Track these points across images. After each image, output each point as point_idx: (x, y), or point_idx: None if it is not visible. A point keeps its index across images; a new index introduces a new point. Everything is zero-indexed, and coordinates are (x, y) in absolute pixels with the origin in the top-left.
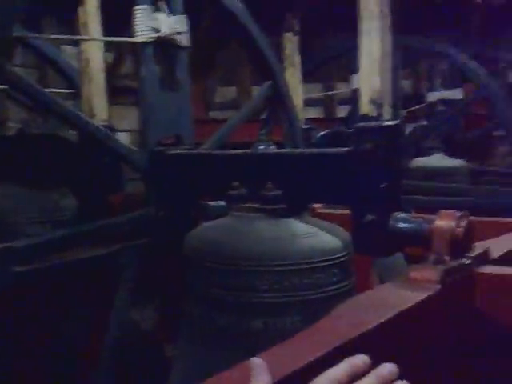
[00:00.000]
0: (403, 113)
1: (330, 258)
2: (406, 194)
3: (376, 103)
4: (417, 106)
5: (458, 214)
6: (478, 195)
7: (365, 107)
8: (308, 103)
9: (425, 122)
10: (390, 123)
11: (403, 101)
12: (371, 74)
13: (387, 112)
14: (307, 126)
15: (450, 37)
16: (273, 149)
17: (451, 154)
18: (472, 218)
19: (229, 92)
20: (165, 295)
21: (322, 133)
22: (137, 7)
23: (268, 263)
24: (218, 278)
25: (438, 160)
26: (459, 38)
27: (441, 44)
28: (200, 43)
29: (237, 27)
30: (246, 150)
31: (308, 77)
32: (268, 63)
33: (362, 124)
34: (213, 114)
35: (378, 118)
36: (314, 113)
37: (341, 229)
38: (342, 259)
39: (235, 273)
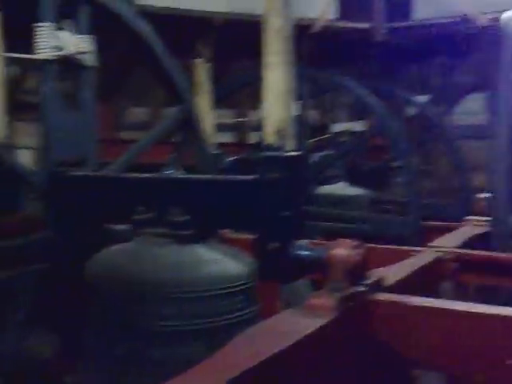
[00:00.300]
0: (310, 142)
1: (234, 284)
2: (312, 221)
3: (280, 134)
4: (322, 137)
5: (354, 242)
6: (376, 223)
7: (269, 137)
8: (221, 128)
9: (329, 152)
10: (293, 153)
11: (310, 131)
12: (275, 106)
13: (290, 142)
14: (217, 151)
15: (354, 72)
16: (180, 173)
17: (353, 182)
18: (369, 245)
19: (141, 113)
20: (65, 322)
21: (231, 158)
22: (38, 24)
23: (172, 290)
24: (120, 305)
25: (341, 188)
26: (362, 73)
27: (344, 78)
28: (112, 63)
29: (145, 50)
30: (153, 174)
31: (221, 103)
32: (177, 88)
33: (266, 153)
34: (124, 135)
35: (282, 148)
36: (227, 138)
37: (246, 255)
38: (247, 286)
39: (138, 300)
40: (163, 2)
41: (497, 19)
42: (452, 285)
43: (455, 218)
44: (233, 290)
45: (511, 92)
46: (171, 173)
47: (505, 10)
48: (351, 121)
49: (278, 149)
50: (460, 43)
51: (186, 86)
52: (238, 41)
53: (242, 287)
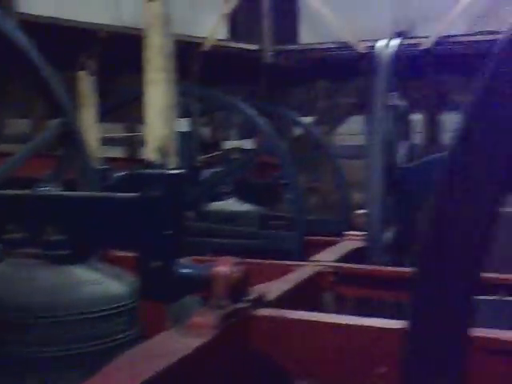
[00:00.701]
0: (201, 159)
1: (114, 306)
2: (202, 237)
3: (161, 151)
4: (213, 153)
5: (236, 259)
6: (266, 238)
7: (150, 155)
8: (110, 143)
9: (220, 169)
10: (175, 172)
11: (202, 147)
12: (156, 123)
13: (172, 160)
14: (104, 167)
15: (244, 91)
16: (57, 190)
17: (244, 199)
18: (252, 261)
19: (21, 125)
20: None
21: (119, 174)
22: None
23: (46, 314)
24: None
25: (231, 204)
26: (252, 93)
27: (231, 98)
28: None
29: (23, 62)
30: (26, 191)
31: (109, 116)
32: (58, 100)
33: (148, 171)
34: (2, 147)
35: (164, 165)
36: (117, 153)
37: (129, 275)
38: (128, 307)
39: (8, 326)
40: (46, 10)
41: (373, 47)
42: (332, 297)
43: (337, 233)
44: (113, 311)
45: (385, 115)
46: (46, 189)
47: (380, 39)
48: (242, 138)
49: (160, 166)
50: (342, 68)
51: (67, 98)
52: (125, 54)
53: (123, 308)
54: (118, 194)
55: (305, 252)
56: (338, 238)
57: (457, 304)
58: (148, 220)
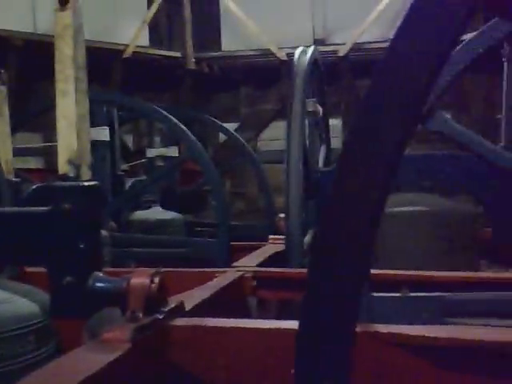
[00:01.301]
0: (124, 167)
1: (24, 325)
2: (126, 247)
3: (73, 163)
4: (136, 162)
5: (152, 271)
6: (191, 246)
7: (63, 167)
8: (27, 153)
9: (144, 177)
10: (87, 183)
11: (127, 155)
12: (68, 135)
13: (85, 172)
14: (17, 180)
15: (168, 98)
16: None
17: (168, 207)
18: (173, 270)
19: None
20: None
21: (33, 187)
22: None
23: None
24: None
25: (155, 213)
26: (176, 100)
27: (150, 105)
28: None
29: None
30: None
31: (28, 125)
32: None
33: (58, 183)
34: None
35: (75, 177)
36: (36, 163)
37: (41, 292)
38: (40, 325)
39: None
40: None
41: (292, 54)
42: (255, 302)
43: (263, 238)
44: (24, 330)
45: (303, 120)
46: None
47: (298, 46)
48: (166, 146)
49: (73, 178)
50: (264, 74)
51: None
52: (42, 61)
53: (35, 326)
54: (27, 208)
55: (231, 258)
56: (263, 243)
57: (342, 302)
58: (59, 234)
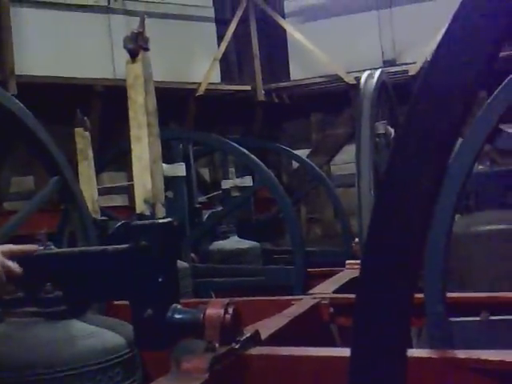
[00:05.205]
0: (201, 200)
1: (111, 357)
2: (205, 277)
3: (149, 203)
4: (212, 194)
5: (226, 301)
6: (269, 274)
7: (140, 207)
8: (113, 191)
9: (219, 208)
10: (162, 221)
11: (203, 188)
12: (143, 177)
13: (160, 210)
14: (102, 218)
15: (240, 131)
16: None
17: (245, 236)
18: (248, 299)
19: (25, 182)
20: None
21: (117, 225)
22: None
23: (45, 370)
24: None
25: (233, 243)
26: (247, 131)
27: (223, 139)
28: None
29: (18, 125)
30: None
31: (113, 165)
32: (53, 159)
33: (137, 222)
34: (8, 206)
35: (152, 216)
36: (121, 201)
37: (126, 324)
38: (126, 357)
39: None
40: (43, 70)
41: (359, 78)
42: (335, 329)
43: (340, 263)
44: (111, 362)
45: (372, 143)
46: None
47: (365, 70)
48: (240, 176)
49: (148, 217)
50: (333, 100)
51: (62, 156)
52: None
53: (121, 358)
54: (110, 247)
55: (308, 284)
56: (341, 268)
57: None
58: (139, 269)
